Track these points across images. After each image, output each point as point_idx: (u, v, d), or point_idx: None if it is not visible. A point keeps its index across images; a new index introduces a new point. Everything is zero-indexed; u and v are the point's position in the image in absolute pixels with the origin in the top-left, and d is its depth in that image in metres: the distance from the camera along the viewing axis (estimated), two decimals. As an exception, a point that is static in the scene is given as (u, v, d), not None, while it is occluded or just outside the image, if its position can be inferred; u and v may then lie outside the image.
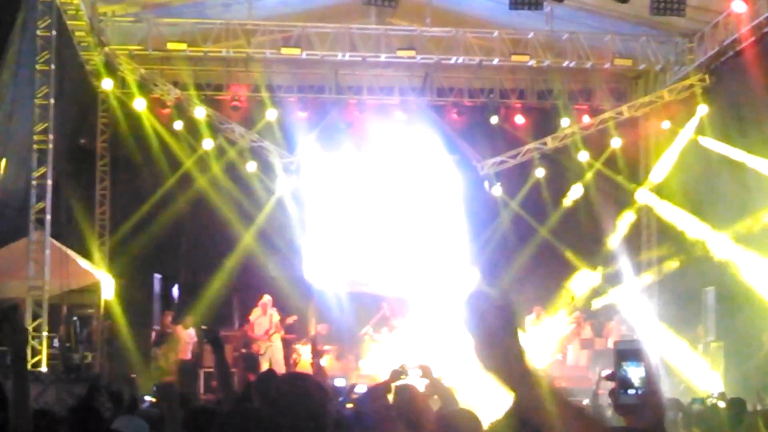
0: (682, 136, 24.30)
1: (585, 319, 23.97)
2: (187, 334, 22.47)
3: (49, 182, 19.29)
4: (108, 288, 21.50)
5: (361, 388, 10.70)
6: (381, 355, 22.47)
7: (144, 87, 23.57)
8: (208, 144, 24.32)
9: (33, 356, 18.50)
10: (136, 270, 23.07)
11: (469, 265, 24.90)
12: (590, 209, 25.47)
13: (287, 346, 22.84)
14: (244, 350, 22.22)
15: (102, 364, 21.26)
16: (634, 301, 24.45)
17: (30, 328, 18.54)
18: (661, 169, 24.97)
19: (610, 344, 21.66)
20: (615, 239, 24.94)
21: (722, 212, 22.54)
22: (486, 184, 26.00)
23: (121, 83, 23.68)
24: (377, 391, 7.88)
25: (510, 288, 23.94)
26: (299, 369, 21.62)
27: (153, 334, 22.38)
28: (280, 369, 21.66)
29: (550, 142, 25.69)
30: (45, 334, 18.78)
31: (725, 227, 22.41)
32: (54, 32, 19.38)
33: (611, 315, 24.16)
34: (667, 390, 18.50)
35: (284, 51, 22.72)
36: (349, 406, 8.15)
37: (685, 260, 24.32)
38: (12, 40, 20.20)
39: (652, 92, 24.97)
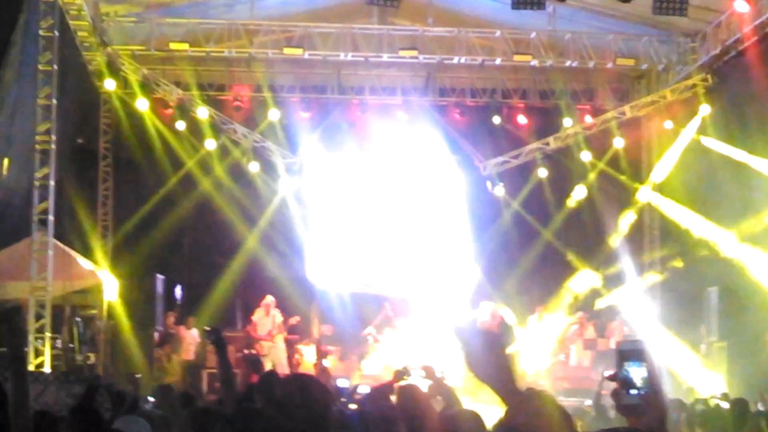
0: (684, 136, 24.28)
1: (588, 319, 23.96)
2: (190, 335, 22.49)
3: (52, 183, 19.27)
4: (111, 289, 21.50)
5: (364, 389, 10.70)
6: (384, 356, 22.48)
7: (146, 87, 23.57)
8: (210, 144, 24.33)
9: (36, 357, 18.51)
10: (138, 270, 23.08)
11: (472, 265, 24.89)
12: (593, 209, 25.46)
13: (290, 346, 22.85)
14: (246, 351, 22.22)
15: (105, 365, 21.27)
16: (637, 302, 24.44)
17: (33, 329, 18.56)
18: (664, 169, 24.96)
19: (613, 345, 21.68)
20: (618, 239, 24.92)
21: (725, 212, 22.52)
22: (488, 184, 25.99)
23: (124, 83, 23.69)
24: (380, 392, 7.88)
25: (512, 288, 23.96)
26: (302, 370, 21.64)
27: (156, 335, 22.38)
28: (283, 370, 21.67)
29: (553, 142, 25.68)
30: (48, 334, 18.76)
31: (728, 227, 22.39)
32: (56, 32, 19.38)
33: (614, 315, 24.14)
34: (669, 390, 18.50)
35: (286, 51, 22.72)
36: (352, 406, 8.14)
37: (688, 260, 24.30)
38: (14, 41, 20.20)
39: (655, 92, 24.95)
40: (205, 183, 24.35)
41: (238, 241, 24.22)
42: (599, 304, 24.58)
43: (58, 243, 19.90)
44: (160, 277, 23.14)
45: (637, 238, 26.03)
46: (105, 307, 21.59)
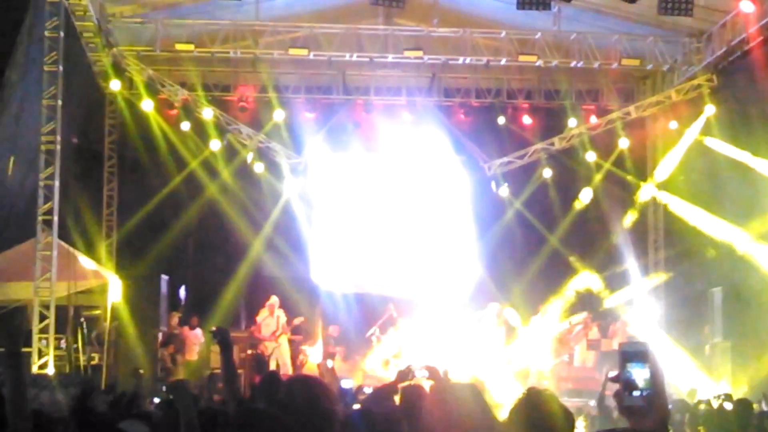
0: (689, 136, 24.25)
1: (592, 320, 23.95)
2: (194, 335, 22.51)
3: (57, 183, 19.29)
4: (115, 289, 21.51)
5: (367, 390, 10.69)
6: (387, 356, 22.48)
7: (151, 88, 23.59)
8: (215, 145, 24.34)
9: (39, 358, 18.53)
10: (143, 271, 23.08)
11: (476, 265, 24.89)
12: (597, 210, 25.45)
13: (294, 347, 22.87)
14: (251, 351, 22.24)
15: (109, 365, 21.28)
16: (641, 302, 24.43)
17: (36, 330, 18.57)
18: (668, 168, 24.95)
19: (616, 345, 21.65)
20: (622, 240, 24.89)
21: (729, 213, 22.52)
22: (493, 184, 25.99)
23: (129, 84, 23.72)
24: (384, 393, 7.87)
25: (516, 288, 23.95)
26: (306, 370, 21.64)
27: (160, 336, 22.40)
28: (287, 370, 21.71)
29: (558, 143, 25.67)
30: (52, 335, 18.77)
31: (733, 228, 22.37)
32: (62, 33, 19.39)
33: (618, 316, 24.12)
34: (673, 391, 18.49)
35: (292, 52, 22.72)
36: (356, 407, 8.13)
37: (692, 261, 24.28)
38: (20, 41, 20.22)
39: (660, 92, 24.94)
40: (209, 184, 24.37)
41: (242, 242, 24.24)
42: (603, 304, 24.57)
43: (63, 243, 19.92)
44: (164, 277, 23.16)
45: (641, 238, 26.03)
46: (109, 307, 21.60)
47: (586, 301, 24.48)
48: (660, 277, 25.61)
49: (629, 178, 25.59)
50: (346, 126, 25.29)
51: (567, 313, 23.84)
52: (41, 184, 19.27)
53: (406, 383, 7.63)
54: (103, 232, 24.66)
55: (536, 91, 25.85)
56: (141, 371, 19.95)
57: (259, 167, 24.95)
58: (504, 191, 25.90)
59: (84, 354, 20.16)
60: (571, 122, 25.37)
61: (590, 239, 25.41)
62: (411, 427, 6.20)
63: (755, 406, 12.90)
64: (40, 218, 19.14)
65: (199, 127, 24.26)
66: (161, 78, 23.72)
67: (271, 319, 22.47)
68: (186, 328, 22.64)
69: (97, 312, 21.90)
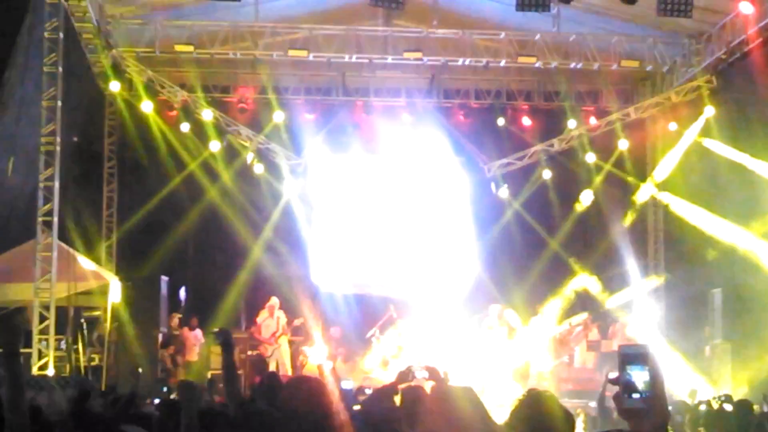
0: (688, 137, 24.26)
1: (592, 321, 23.95)
2: (194, 336, 22.52)
3: (57, 184, 19.29)
4: (115, 290, 21.51)
5: (368, 390, 10.70)
6: (387, 357, 22.48)
7: (151, 89, 23.59)
8: (215, 146, 24.34)
9: (39, 359, 18.53)
10: (143, 272, 23.08)
11: (475, 266, 24.89)
12: (597, 211, 25.46)
13: (294, 348, 22.87)
14: (250, 352, 22.26)
15: (109, 366, 21.28)
16: (642, 303, 24.43)
17: (37, 331, 18.57)
18: (668, 170, 24.96)
19: (616, 346, 21.65)
20: (622, 241, 24.89)
21: (729, 214, 22.52)
22: (492, 185, 26.00)
23: (129, 85, 23.71)
24: (384, 393, 7.88)
25: (516, 289, 23.94)
26: (306, 371, 21.64)
27: (160, 337, 22.40)
28: (287, 371, 21.71)
29: (557, 144, 25.68)
30: (52, 336, 18.77)
31: (733, 229, 22.38)
32: (61, 34, 19.39)
33: (617, 317, 24.12)
34: (673, 392, 18.50)
35: (291, 53, 22.72)
36: (356, 408, 8.14)
37: (692, 262, 24.29)
38: (20, 42, 20.22)
39: (659, 94, 24.95)
40: (209, 185, 24.36)
41: (242, 243, 24.23)
42: (603, 306, 24.57)
43: (63, 244, 19.92)
44: (164, 278, 23.17)
45: (641, 240, 26.05)
46: (109, 308, 21.61)
47: (586, 303, 24.49)
48: (660, 279, 25.62)
49: (629, 179, 25.59)
50: (345, 127, 25.30)
51: (567, 315, 23.84)
52: (41, 185, 19.26)
53: (406, 384, 7.64)
54: (103, 233, 24.67)
55: (536, 93, 25.85)
56: (140, 369, 19.95)
57: (258, 168, 24.97)
58: (503, 192, 25.91)
59: (84, 355, 20.15)
60: (571, 123, 25.37)
61: (590, 240, 25.43)
62: (411, 428, 6.21)
63: (755, 407, 12.90)
64: (40, 219, 19.13)
65: (198, 129, 24.27)
66: (161, 79, 23.72)
67: (271, 320, 22.47)
68: (186, 329, 22.64)
69: (97, 313, 21.91)
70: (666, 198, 25.19)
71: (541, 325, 23.42)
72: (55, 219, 19.13)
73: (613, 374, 3.15)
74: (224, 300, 23.34)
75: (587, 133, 25.56)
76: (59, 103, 19.34)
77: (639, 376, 3.08)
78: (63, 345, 19.73)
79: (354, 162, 25.71)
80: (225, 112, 24.64)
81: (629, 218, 25.47)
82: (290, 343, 22.78)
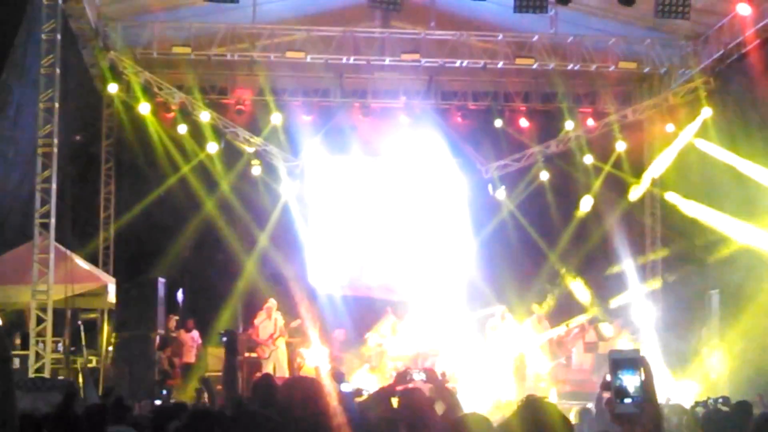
0: (686, 138, 24.27)
1: (590, 322, 23.96)
2: (191, 338, 22.51)
3: (54, 186, 19.26)
4: (112, 292, 21.49)
5: (365, 392, 10.70)
6: (386, 359, 22.49)
7: (148, 91, 23.59)
8: (212, 148, 24.35)
9: (36, 361, 18.50)
10: (140, 274, 23.07)
11: (473, 267, 24.89)
12: (594, 212, 25.47)
13: (291, 350, 22.85)
14: (248, 354, 22.23)
15: (106, 368, 21.26)
16: (639, 305, 24.44)
17: (34, 333, 18.54)
18: (665, 171, 24.98)
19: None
20: (619, 243, 24.89)
21: (727, 215, 22.52)
22: (490, 187, 26.01)
23: (126, 87, 23.70)
24: (382, 395, 7.87)
25: (513, 290, 23.95)
26: (303, 373, 21.62)
27: (157, 339, 22.38)
28: (284, 373, 21.70)
29: (555, 146, 25.68)
30: (49, 338, 18.74)
31: (730, 231, 22.38)
32: (59, 36, 19.37)
33: (615, 319, 24.11)
34: (670, 395, 18.49)
35: (289, 55, 22.73)
36: (354, 410, 8.12)
37: (689, 264, 24.30)
38: (17, 44, 20.20)
39: (657, 95, 24.97)
40: (206, 187, 24.36)
41: (240, 245, 24.23)
42: (600, 307, 24.57)
43: (60, 246, 19.87)
44: (161, 280, 23.15)
45: (638, 241, 26.05)
46: (106, 310, 21.58)
47: (583, 304, 24.50)
48: (657, 280, 25.62)
49: (626, 180, 25.60)
50: (343, 129, 25.30)
51: (564, 316, 23.85)
52: (38, 186, 19.21)
53: (404, 386, 7.64)
54: (101, 234, 24.64)
55: (533, 94, 25.87)
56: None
57: (256, 170, 24.99)
58: (501, 194, 25.92)
59: (81, 357, 20.12)
60: (568, 125, 25.37)
61: (587, 242, 25.41)
62: (409, 430, 6.21)
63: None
64: (37, 221, 19.09)
65: (196, 130, 24.27)
66: (158, 81, 23.72)
67: (268, 322, 22.45)
68: (183, 331, 22.63)
69: (95, 315, 21.88)
70: (663, 200, 25.21)
71: (538, 326, 23.44)
72: (53, 221, 19.09)
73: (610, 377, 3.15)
74: (222, 302, 23.35)
75: (585, 135, 25.57)
76: (57, 105, 19.31)
77: (631, 381, 3.08)
78: (60, 347, 19.69)
79: (351, 164, 25.72)
80: (222, 113, 24.64)
81: (626, 220, 25.48)
82: (288, 344, 22.76)
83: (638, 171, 25.79)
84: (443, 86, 25.67)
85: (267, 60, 23.45)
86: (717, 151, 22.98)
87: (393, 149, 25.41)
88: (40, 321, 18.63)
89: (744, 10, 20.52)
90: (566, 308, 24.37)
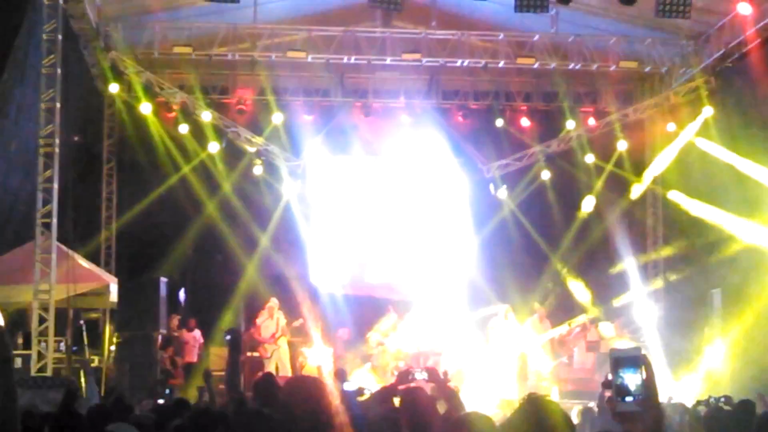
0: (687, 138, 24.27)
1: (591, 321, 23.96)
2: (192, 337, 22.51)
3: (56, 186, 19.26)
4: (114, 292, 21.50)
5: (367, 391, 10.70)
6: (387, 358, 22.49)
7: (150, 91, 23.59)
8: (213, 147, 24.36)
9: (39, 360, 18.51)
10: (142, 273, 23.07)
11: (474, 266, 24.90)
12: (596, 211, 25.47)
13: (293, 349, 22.86)
14: (250, 353, 22.23)
15: (109, 368, 21.28)
16: (641, 304, 24.44)
17: (36, 333, 18.55)
18: (667, 170, 24.98)
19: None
20: (621, 242, 24.89)
21: (728, 214, 22.52)
22: (491, 186, 26.02)
23: (128, 87, 23.71)
24: (384, 395, 7.87)
25: (514, 289, 23.94)
26: (305, 372, 21.63)
27: (159, 338, 22.38)
28: (287, 372, 21.71)
29: (556, 145, 25.69)
30: (51, 338, 18.74)
31: (732, 229, 22.38)
32: (60, 36, 19.37)
33: (617, 317, 24.11)
34: (672, 394, 18.49)
35: (290, 54, 22.73)
36: (356, 409, 8.13)
37: (691, 263, 24.29)
38: (18, 44, 20.21)
39: (658, 94, 24.97)
40: (208, 186, 24.37)
41: (241, 245, 24.23)
42: (603, 306, 24.57)
43: (62, 246, 19.89)
44: (163, 280, 23.14)
45: (640, 240, 26.06)
46: (108, 310, 21.58)
47: (585, 304, 24.50)
48: (659, 280, 25.62)
49: (627, 179, 25.60)
50: (344, 128, 25.30)
51: (565, 316, 23.86)
52: (40, 186, 19.21)
53: (406, 385, 7.63)
54: (102, 234, 24.65)
55: (534, 94, 25.87)
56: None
57: (257, 170, 24.99)
58: (502, 193, 25.93)
59: (84, 356, 20.13)
60: (569, 124, 25.37)
61: (588, 241, 25.41)
62: (411, 429, 6.21)
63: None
64: (39, 221, 19.09)
65: (197, 130, 24.28)
66: (159, 81, 23.72)
67: (270, 321, 22.46)
68: (184, 331, 22.63)
69: (97, 315, 21.88)
70: (665, 199, 25.22)
71: (539, 326, 23.44)
72: (54, 220, 19.10)
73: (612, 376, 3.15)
74: (223, 301, 23.35)
75: (586, 134, 25.57)
76: (58, 105, 19.31)
77: (632, 379, 3.07)
78: (62, 347, 19.70)
79: (353, 163, 25.73)
80: (224, 113, 24.65)
81: (628, 219, 25.49)
82: (290, 344, 22.76)
83: (639, 170, 25.78)
84: (444, 86, 25.67)
85: (268, 60, 23.46)
86: (718, 151, 22.99)
87: (394, 149, 25.43)
88: (42, 321, 18.64)
89: (745, 9, 20.51)
90: (568, 307, 24.39)
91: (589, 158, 25.54)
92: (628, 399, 3.07)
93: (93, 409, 8.89)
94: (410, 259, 25.04)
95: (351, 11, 22.93)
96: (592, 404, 15.53)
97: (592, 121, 25.59)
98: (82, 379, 18.66)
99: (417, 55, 23.04)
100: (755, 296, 21.04)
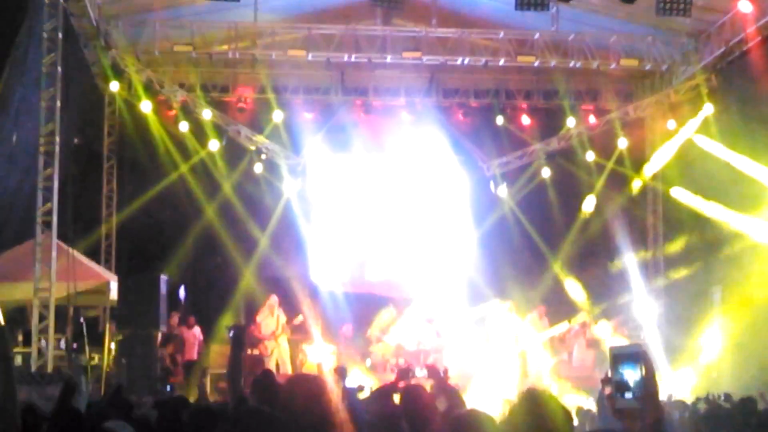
0: (687, 136, 24.27)
1: (591, 319, 23.95)
2: (192, 335, 22.52)
3: (56, 184, 19.27)
4: (114, 289, 21.50)
5: (368, 389, 10.72)
6: (388, 356, 22.50)
7: (150, 89, 23.60)
8: (214, 145, 24.37)
9: (39, 358, 18.52)
10: (142, 271, 23.06)
11: (474, 263, 24.91)
12: (597, 209, 25.47)
13: (294, 347, 22.86)
14: (250, 351, 22.21)
15: (108, 365, 21.27)
16: (641, 302, 24.44)
17: (36, 330, 18.57)
18: (667, 168, 24.99)
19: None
20: (621, 239, 24.89)
21: (728, 212, 22.52)
22: (491, 184, 26.03)
23: (128, 85, 23.72)
24: (384, 392, 7.89)
25: (514, 286, 23.94)
26: (305, 370, 21.65)
27: (159, 336, 22.37)
28: (287, 370, 21.71)
29: (556, 143, 25.69)
30: (51, 336, 18.76)
31: (732, 227, 22.38)
32: (60, 34, 19.37)
33: (617, 315, 24.11)
34: (672, 391, 18.50)
35: (290, 52, 22.73)
36: (356, 406, 8.14)
37: (691, 260, 24.29)
38: (19, 42, 20.20)
39: (658, 92, 24.96)
40: (208, 184, 24.38)
41: (241, 242, 24.24)
42: (602, 304, 24.57)
43: (62, 244, 19.89)
44: (163, 277, 23.13)
45: (640, 238, 26.06)
46: (108, 307, 21.58)
47: (585, 301, 24.50)
48: (659, 277, 25.62)
49: (628, 177, 25.61)
50: (345, 126, 25.31)
51: (565, 313, 23.86)
52: (40, 184, 19.21)
53: (406, 382, 7.65)
54: (103, 232, 24.65)
55: (534, 92, 25.88)
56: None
57: (258, 168, 25.00)
58: (502, 191, 25.93)
59: (84, 354, 20.14)
60: (570, 122, 25.39)
61: (588, 238, 25.41)
62: (411, 426, 6.22)
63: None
64: (39, 219, 19.10)
65: (198, 128, 24.29)
66: (160, 79, 23.73)
67: (270, 318, 22.46)
68: (184, 328, 22.64)
69: (97, 312, 21.87)
70: (665, 196, 25.22)
71: (539, 323, 23.44)
72: (55, 218, 19.10)
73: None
74: (224, 299, 23.34)
75: (586, 132, 25.58)
76: (58, 103, 19.32)
77: (631, 376, 3.06)
78: (63, 344, 19.71)
79: (353, 161, 25.74)
80: (224, 111, 24.67)
81: (628, 216, 25.48)
82: (290, 341, 22.76)
83: (640, 168, 25.79)
84: (445, 84, 25.67)
85: (268, 58, 23.45)
86: (718, 148, 22.99)
87: (394, 147, 25.44)
88: (42, 318, 18.65)
89: (745, 7, 20.51)
90: (568, 305, 24.37)
91: (590, 156, 25.55)
92: (628, 395, 3.06)
93: (92, 405, 8.89)
94: (410, 256, 25.05)
95: (351, 9, 22.92)
96: (592, 402, 15.54)
97: (592, 119, 25.60)
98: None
99: (417, 54, 23.03)
100: (756, 293, 21.04)
